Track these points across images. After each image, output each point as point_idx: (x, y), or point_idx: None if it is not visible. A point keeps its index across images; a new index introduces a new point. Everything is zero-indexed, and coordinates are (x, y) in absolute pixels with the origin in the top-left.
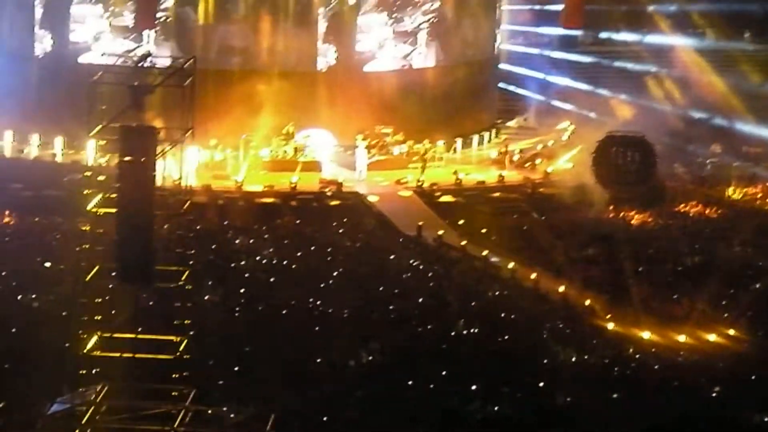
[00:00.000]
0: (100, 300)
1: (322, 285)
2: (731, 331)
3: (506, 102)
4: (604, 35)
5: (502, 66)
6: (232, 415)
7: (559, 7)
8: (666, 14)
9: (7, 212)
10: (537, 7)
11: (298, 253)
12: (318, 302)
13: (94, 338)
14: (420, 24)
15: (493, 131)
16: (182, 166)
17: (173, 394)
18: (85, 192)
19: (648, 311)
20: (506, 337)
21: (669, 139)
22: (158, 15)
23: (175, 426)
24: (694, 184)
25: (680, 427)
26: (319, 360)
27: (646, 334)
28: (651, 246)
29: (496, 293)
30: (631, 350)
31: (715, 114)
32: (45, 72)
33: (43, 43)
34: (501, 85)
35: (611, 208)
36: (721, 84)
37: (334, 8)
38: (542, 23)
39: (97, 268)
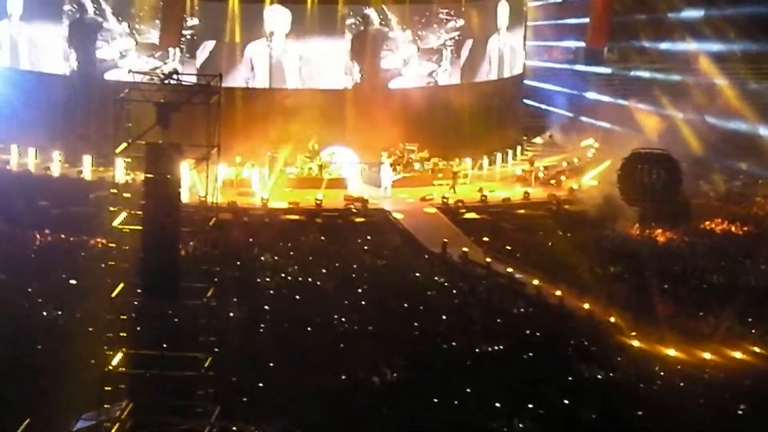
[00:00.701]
0: (125, 316)
1: (346, 302)
2: (757, 349)
3: (532, 118)
4: (629, 47)
5: (528, 82)
6: None
7: (584, 20)
8: (692, 22)
9: (33, 229)
10: (561, 21)
11: (323, 270)
12: (343, 319)
13: (120, 355)
14: (445, 41)
15: (519, 148)
16: (208, 182)
17: (198, 410)
18: (111, 209)
19: (673, 328)
20: (531, 354)
21: (696, 152)
22: (184, 32)
23: None
24: (719, 201)
25: None
26: (343, 376)
27: (671, 352)
28: (676, 263)
29: (521, 310)
30: (656, 367)
31: (742, 126)
32: (71, 89)
33: (70, 61)
34: (527, 101)
35: (637, 225)
36: (749, 94)
37: (360, 26)
38: (567, 37)
39: (122, 284)
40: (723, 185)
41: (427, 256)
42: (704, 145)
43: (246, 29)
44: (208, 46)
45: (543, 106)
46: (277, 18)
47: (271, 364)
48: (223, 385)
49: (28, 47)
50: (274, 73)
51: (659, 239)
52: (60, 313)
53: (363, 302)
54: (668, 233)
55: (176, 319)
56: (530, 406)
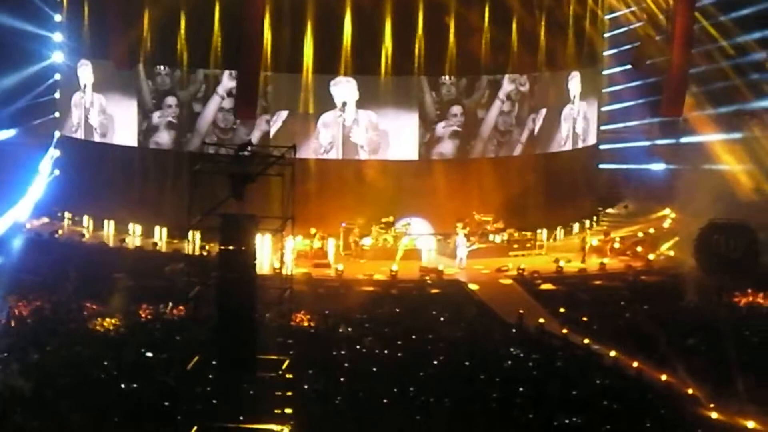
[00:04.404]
0: (200, 389)
1: (422, 374)
2: None
3: (608, 187)
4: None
5: (604, 147)
6: None
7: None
8: None
9: (108, 301)
10: (637, 82)
11: (399, 342)
12: (419, 391)
13: (195, 428)
14: (516, 111)
15: (594, 218)
16: (282, 254)
17: None
18: (185, 281)
19: (752, 400)
20: (608, 427)
21: None
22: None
23: None
24: None
25: None
26: None
27: (750, 424)
28: (756, 335)
29: (598, 382)
30: None
31: None
32: (145, 161)
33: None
34: (602, 166)
35: (714, 296)
36: None
37: (433, 96)
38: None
39: (197, 357)
40: None
41: (502, 328)
42: None
43: (318, 100)
44: (282, 116)
45: (622, 166)
46: (345, 89)
47: None
48: None
49: (100, 119)
50: (346, 144)
51: (737, 310)
52: (135, 386)
53: (439, 374)
54: (747, 304)
55: (252, 392)
56: None
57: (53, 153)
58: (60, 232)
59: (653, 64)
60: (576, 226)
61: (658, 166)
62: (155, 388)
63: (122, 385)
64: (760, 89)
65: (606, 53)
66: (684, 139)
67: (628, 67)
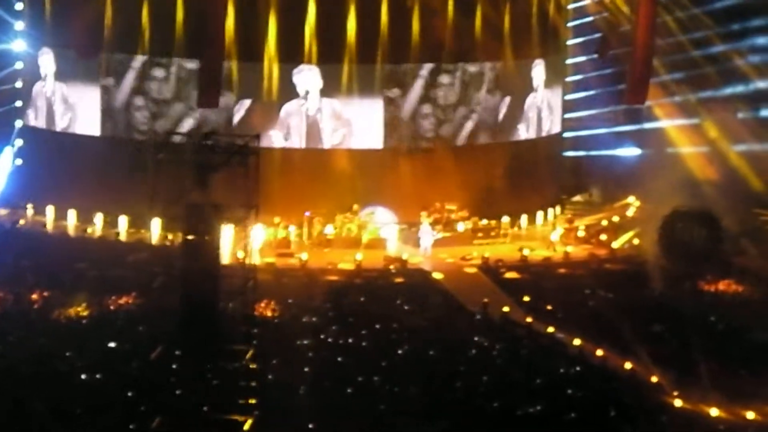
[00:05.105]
0: (164, 380)
1: (387, 363)
2: None
3: (572, 175)
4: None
5: (568, 135)
6: None
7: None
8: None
9: (71, 292)
10: (602, 71)
11: (363, 331)
12: (383, 380)
13: (158, 419)
14: (480, 99)
15: (558, 207)
16: (246, 243)
17: None
18: (149, 271)
19: (716, 388)
20: (573, 415)
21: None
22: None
23: None
24: (763, 259)
25: None
26: None
27: (713, 411)
28: (719, 322)
29: (562, 370)
30: (698, 427)
31: None
32: (108, 150)
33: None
34: (567, 154)
35: (678, 284)
36: None
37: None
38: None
39: (160, 347)
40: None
41: (467, 316)
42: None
43: (281, 89)
44: (245, 104)
45: (587, 154)
46: (308, 77)
47: (311, 426)
48: None
49: (62, 108)
50: (310, 133)
51: (701, 297)
52: (98, 376)
53: (403, 363)
54: (710, 292)
55: (215, 382)
56: None
57: (15, 143)
58: (22, 222)
59: (617, 54)
60: (540, 215)
61: (627, 151)
62: (118, 379)
63: (85, 376)
64: (723, 77)
65: (571, 42)
66: (647, 125)
67: (593, 56)
